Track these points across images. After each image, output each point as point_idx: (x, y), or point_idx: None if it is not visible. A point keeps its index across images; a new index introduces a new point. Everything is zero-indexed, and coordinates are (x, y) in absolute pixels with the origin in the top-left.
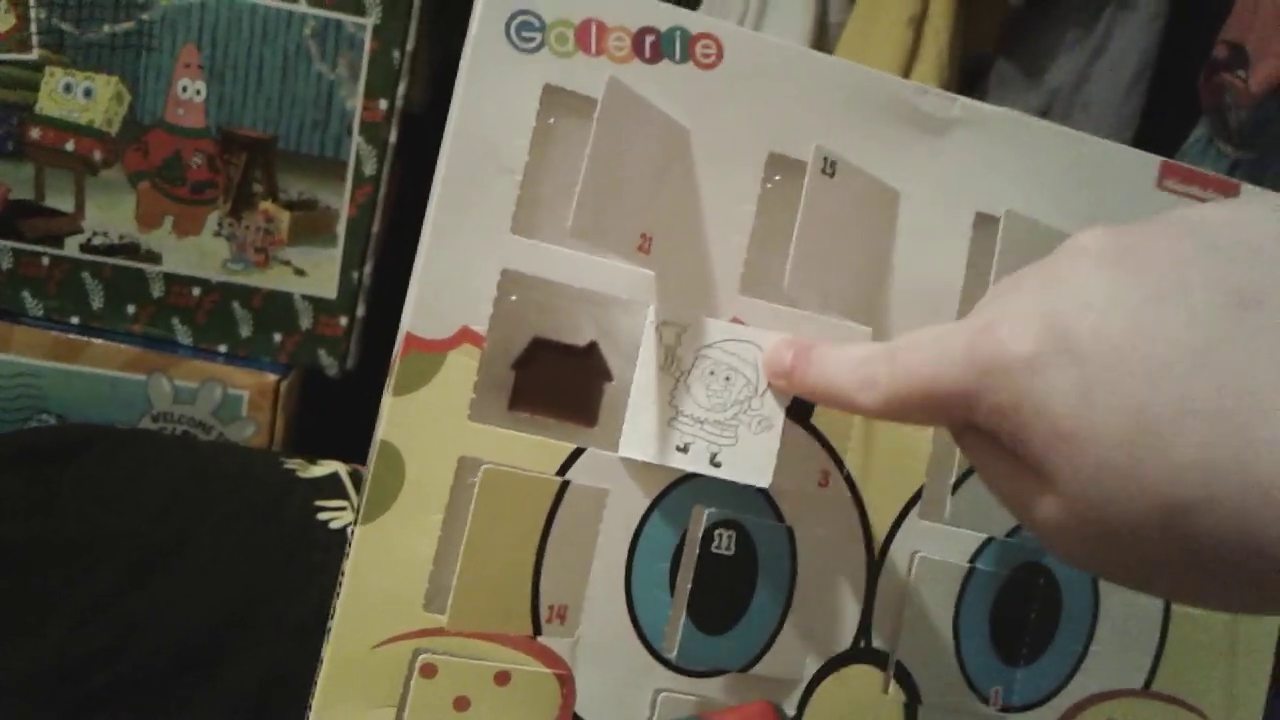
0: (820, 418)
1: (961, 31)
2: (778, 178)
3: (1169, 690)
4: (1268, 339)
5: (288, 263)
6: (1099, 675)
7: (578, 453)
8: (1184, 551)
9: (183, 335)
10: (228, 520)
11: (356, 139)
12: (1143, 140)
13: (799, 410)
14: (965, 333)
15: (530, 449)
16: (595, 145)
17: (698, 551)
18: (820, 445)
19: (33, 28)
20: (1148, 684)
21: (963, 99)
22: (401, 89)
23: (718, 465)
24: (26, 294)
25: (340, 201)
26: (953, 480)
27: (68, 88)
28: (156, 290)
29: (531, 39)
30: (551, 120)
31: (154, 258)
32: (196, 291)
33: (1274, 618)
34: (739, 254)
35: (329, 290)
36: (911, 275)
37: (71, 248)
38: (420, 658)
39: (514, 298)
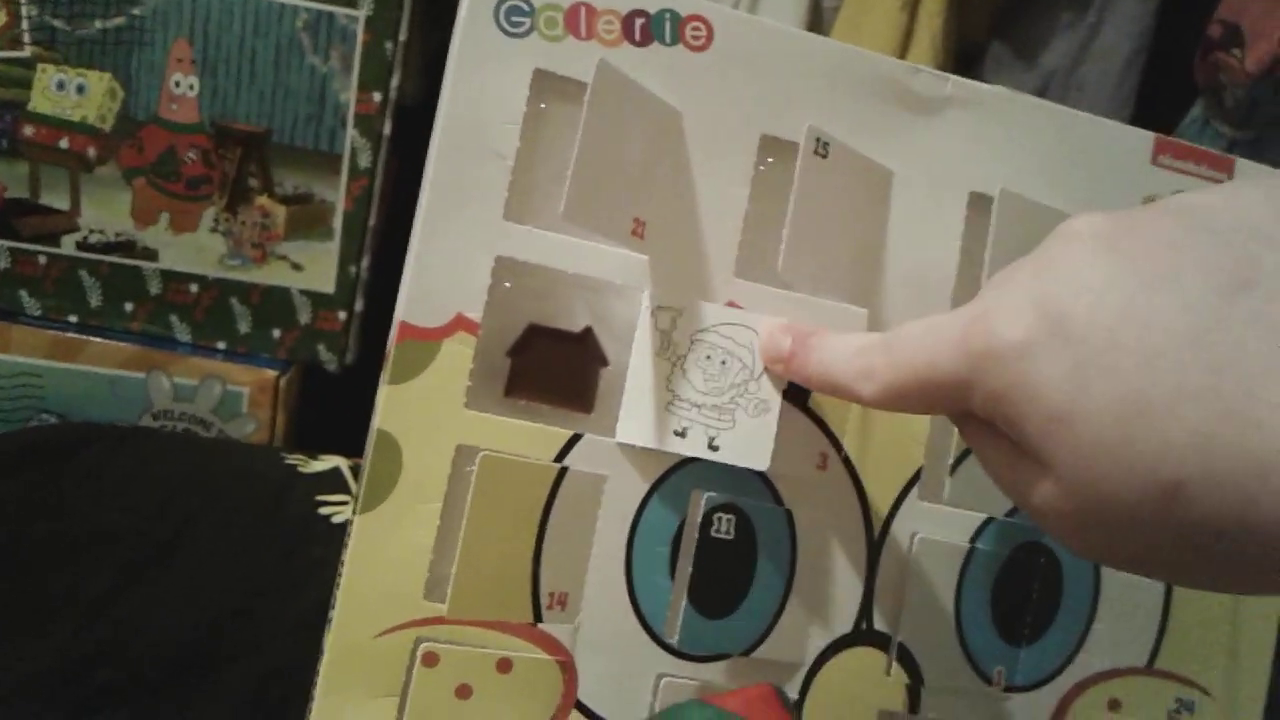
0: (818, 400)
1: (956, 15)
2: (771, 160)
3: (1172, 668)
4: (1262, 321)
5: (285, 258)
6: (1101, 654)
7: (575, 439)
8: (1181, 532)
9: (181, 332)
10: (229, 517)
11: (350, 132)
12: (1139, 121)
13: (796, 393)
14: (960, 321)
15: (527, 436)
16: (586, 130)
17: (697, 536)
18: (818, 428)
19: (24, 25)
20: (1150, 662)
21: (955, 78)
22: (395, 81)
23: (716, 449)
24: (24, 293)
25: (336, 195)
26: (951, 461)
27: (60, 85)
28: (154, 287)
29: (521, 24)
30: (542, 105)
31: (151, 255)
32: (194, 288)
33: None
34: (733, 237)
35: (327, 285)
36: (906, 255)
37: (68, 246)
38: (421, 646)
39: (508, 284)
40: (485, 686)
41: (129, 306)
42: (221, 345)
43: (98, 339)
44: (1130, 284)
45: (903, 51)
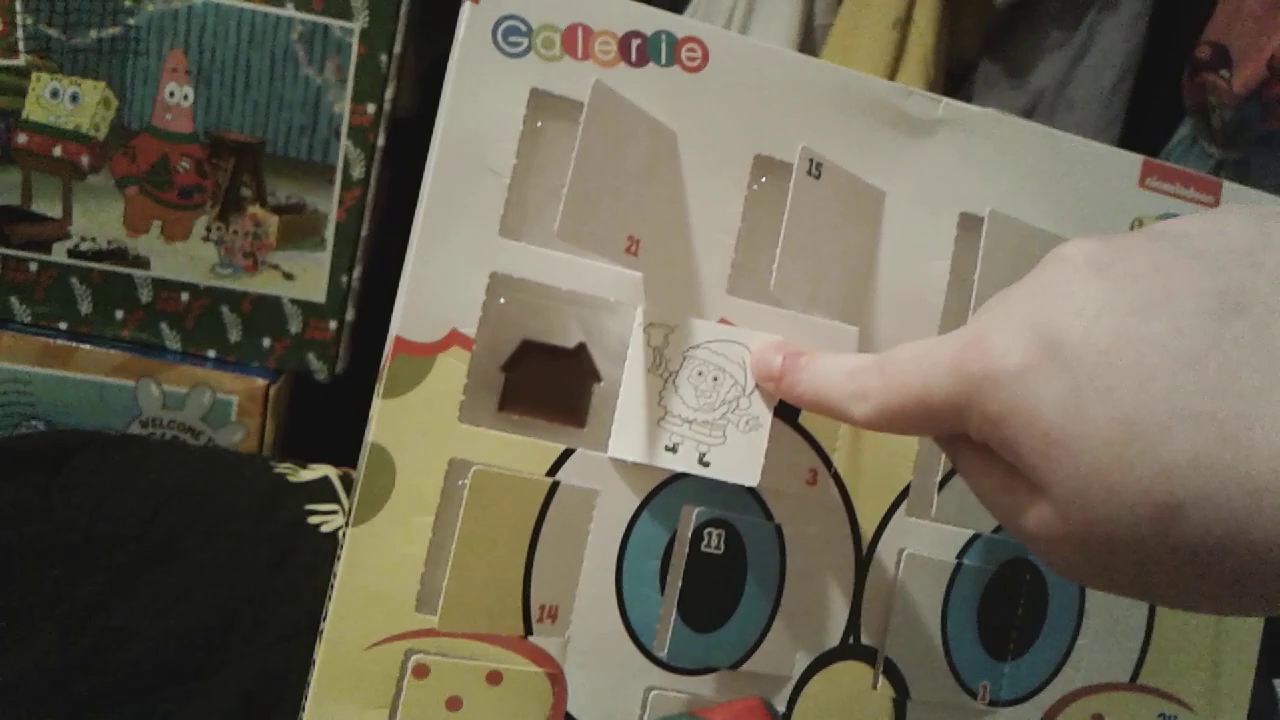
0: (808, 417)
1: (946, 34)
2: (764, 179)
3: (1155, 683)
4: (1253, 343)
5: (276, 267)
6: (1086, 669)
7: (567, 453)
8: (1176, 554)
9: (171, 340)
10: (218, 525)
11: (344, 143)
12: (1127, 140)
13: (787, 409)
14: (955, 345)
15: (520, 450)
16: (582, 148)
17: (687, 550)
18: (808, 444)
19: (19, 33)
20: (1134, 677)
21: (947, 100)
22: (389, 93)
23: (706, 465)
24: (14, 300)
25: (329, 205)
26: (939, 478)
27: (54, 93)
28: (145, 295)
29: (518, 44)
30: (539, 124)
31: (142, 263)
32: (185, 296)
33: None
34: (726, 255)
35: (318, 294)
36: (897, 275)
37: (59, 253)
38: (412, 658)
39: (502, 300)
40: (475, 698)
41: (119, 314)
42: (212, 353)
43: (88, 346)
44: (1123, 308)
45: (894, 69)
